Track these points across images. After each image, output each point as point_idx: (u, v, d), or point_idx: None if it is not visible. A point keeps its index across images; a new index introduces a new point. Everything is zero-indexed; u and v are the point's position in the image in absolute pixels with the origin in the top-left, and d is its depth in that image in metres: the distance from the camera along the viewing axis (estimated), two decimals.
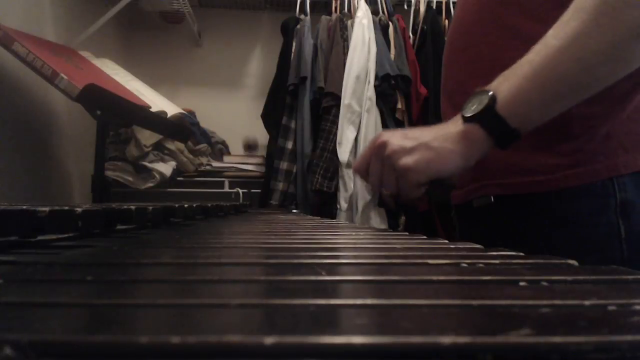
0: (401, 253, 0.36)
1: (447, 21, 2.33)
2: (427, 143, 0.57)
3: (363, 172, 0.64)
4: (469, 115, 0.56)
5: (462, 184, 0.73)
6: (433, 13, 2.27)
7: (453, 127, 0.58)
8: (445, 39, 0.86)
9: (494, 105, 0.54)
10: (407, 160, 0.57)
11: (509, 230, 0.68)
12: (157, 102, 1.89)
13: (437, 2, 2.31)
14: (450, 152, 0.57)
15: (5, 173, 1.48)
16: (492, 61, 0.65)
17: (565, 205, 0.63)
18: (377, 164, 0.61)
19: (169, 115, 1.90)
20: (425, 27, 2.23)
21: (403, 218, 2.10)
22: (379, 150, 0.60)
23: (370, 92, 2.06)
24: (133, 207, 0.49)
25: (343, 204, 2.03)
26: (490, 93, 0.55)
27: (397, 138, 0.59)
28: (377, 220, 2.04)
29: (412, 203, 0.80)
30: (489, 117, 0.55)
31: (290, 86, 2.14)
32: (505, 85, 0.55)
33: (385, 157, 0.59)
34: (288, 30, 2.27)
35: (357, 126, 2.05)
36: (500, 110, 0.54)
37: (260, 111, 2.34)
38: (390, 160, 0.59)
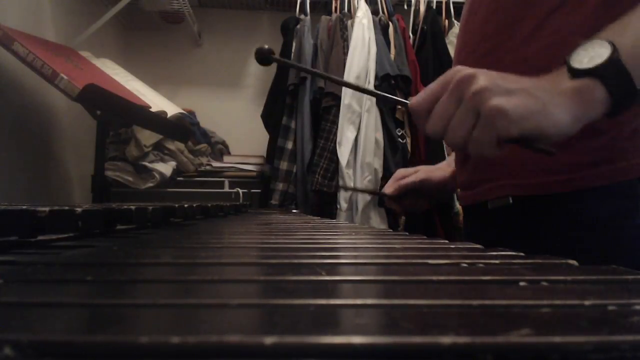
0: (401, 253, 0.36)
1: (447, 21, 2.33)
2: (530, 90, 0.45)
3: (424, 111, 0.49)
4: (583, 68, 0.45)
5: (474, 184, 0.69)
6: (433, 13, 2.27)
7: (560, 81, 0.47)
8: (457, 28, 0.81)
9: (618, 57, 0.45)
10: (501, 102, 0.44)
11: (527, 234, 0.63)
12: (157, 102, 1.89)
13: (437, 2, 2.31)
14: (559, 106, 0.45)
15: (5, 173, 1.48)
16: (514, 53, 0.61)
17: (589, 207, 0.59)
18: (451, 101, 0.47)
19: (169, 115, 1.90)
20: (425, 27, 2.23)
21: (403, 218, 2.10)
22: (459, 84, 0.46)
23: None
24: (133, 207, 0.49)
25: (343, 204, 2.03)
26: (610, 44, 0.45)
27: (489, 75, 0.46)
28: (377, 220, 2.04)
29: (416, 208, 0.76)
30: (613, 72, 0.45)
31: (290, 86, 2.14)
32: (625, 37, 0.47)
33: (470, 94, 0.45)
34: (288, 30, 2.27)
35: (357, 126, 2.05)
36: (627, 64, 0.45)
37: (260, 111, 2.34)
38: (476, 98, 0.45)
